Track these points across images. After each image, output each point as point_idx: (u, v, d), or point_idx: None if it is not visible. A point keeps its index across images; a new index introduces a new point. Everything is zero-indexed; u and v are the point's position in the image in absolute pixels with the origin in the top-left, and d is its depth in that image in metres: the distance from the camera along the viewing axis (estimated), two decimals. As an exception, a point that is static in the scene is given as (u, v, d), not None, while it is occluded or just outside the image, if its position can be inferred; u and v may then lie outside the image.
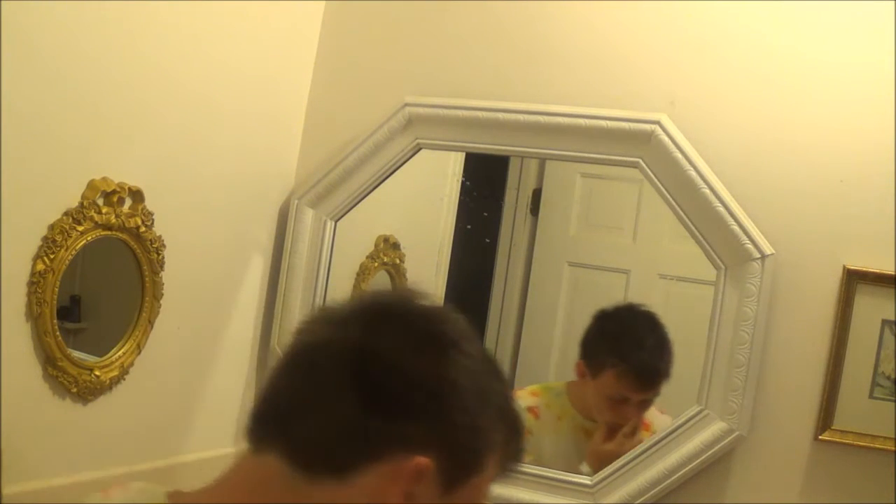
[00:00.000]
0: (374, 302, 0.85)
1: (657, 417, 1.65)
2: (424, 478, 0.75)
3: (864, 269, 1.44)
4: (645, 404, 1.62)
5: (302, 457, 0.76)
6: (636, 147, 1.56)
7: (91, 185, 1.33)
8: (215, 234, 1.65)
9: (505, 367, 1.86)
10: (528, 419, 1.69)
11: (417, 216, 1.99)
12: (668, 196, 1.54)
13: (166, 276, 1.51)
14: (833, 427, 1.45)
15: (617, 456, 1.58)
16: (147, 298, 1.48)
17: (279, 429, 0.78)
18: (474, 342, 0.82)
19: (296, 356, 0.82)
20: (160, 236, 1.47)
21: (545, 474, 1.60)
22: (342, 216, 1.79)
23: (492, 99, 1.66)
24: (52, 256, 1.28)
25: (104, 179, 1.35)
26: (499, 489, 1.61)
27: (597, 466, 1.60)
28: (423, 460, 0.75)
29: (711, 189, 1.50)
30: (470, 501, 0.80)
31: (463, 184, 1.88)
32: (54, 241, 1.28)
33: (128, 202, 1.40)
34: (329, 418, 0.76)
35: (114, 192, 1.36)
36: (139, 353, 1.49)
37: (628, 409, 1.62)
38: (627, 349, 1.66)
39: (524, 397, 1.73)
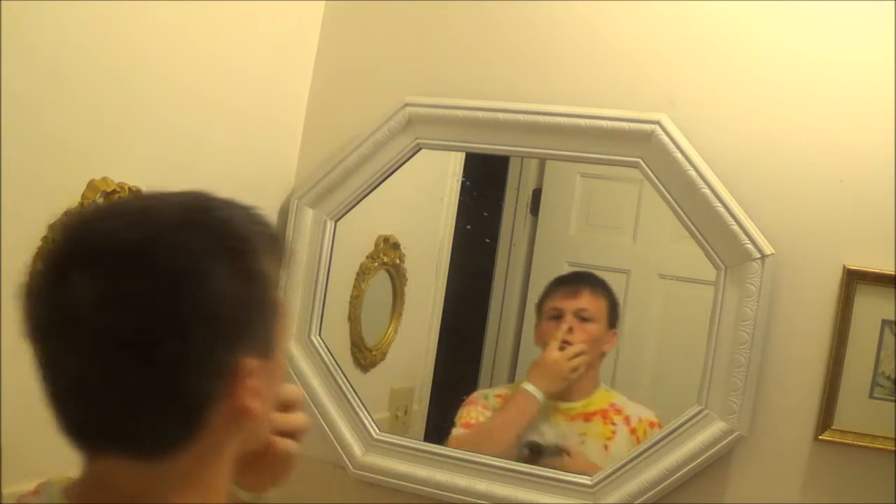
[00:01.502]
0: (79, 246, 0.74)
1: (628, 404, 1.70)
2: (256, 369, 0.70)
3: (864, 269, 1.44)
4: (580, 316, 1.71)
5: (144, 450, 0.70)
6: (636, 147, 1.56)
7: (91, 185, 1.33)
8: (215, 234, 1.65)
9: (505, 367, 1.86)
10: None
11: (417, 216, 1.99)
12: (668, 196, 1.54)
13: (166, 276, 1.50)
14: (833, 427, 1.44)
15: (555, 367, 1.69)
16: (147, 298, 1.48)
17: (102, 438, 0.71)
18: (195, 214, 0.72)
19: (54, 350, 0.73)
20: (160, 236, 1.47)
21: (545, 474, 1.60)
22: (342, 216, 1.79)
23: (492, 99, 1.66)
24: (52, 256, 1.27)
25: (104, 179, 1.35)
26: (499, 489, 1.61)
27: (533, 377, 1.71)
28: (248, 362, 0.69)
29: (711, 189, 1.50)
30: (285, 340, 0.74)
31: (463, 184, 1.87)
32: (54, 241, 1.27)
33: (128, 202, 1.40)
34: (137, 403, 0.67)
35: (114, 192, 1.36)
36: (139, 353, 1.48)
37: (563, 321, 1.72)
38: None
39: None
